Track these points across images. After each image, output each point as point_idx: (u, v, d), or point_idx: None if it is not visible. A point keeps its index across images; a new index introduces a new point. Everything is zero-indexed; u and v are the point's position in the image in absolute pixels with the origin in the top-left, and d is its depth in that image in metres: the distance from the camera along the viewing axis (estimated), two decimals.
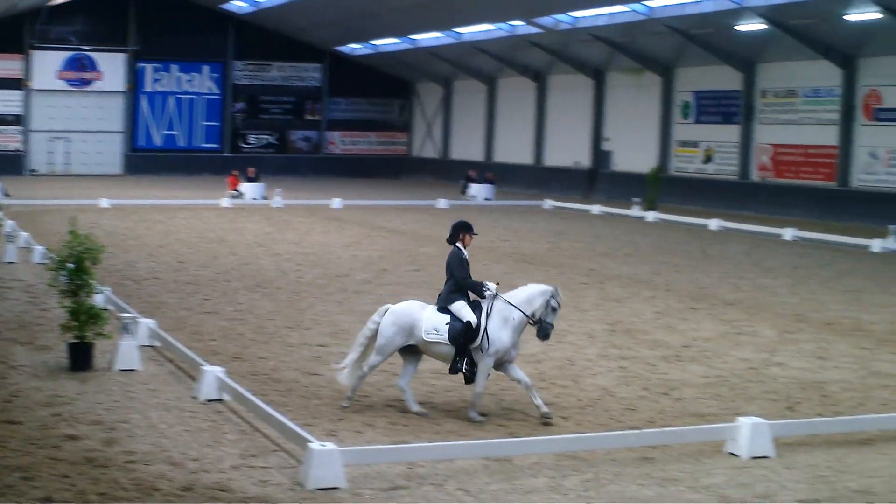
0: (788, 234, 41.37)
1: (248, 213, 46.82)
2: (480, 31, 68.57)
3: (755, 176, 56.39)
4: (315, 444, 12.01)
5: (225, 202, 50.12)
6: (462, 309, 15.08)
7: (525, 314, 15.08)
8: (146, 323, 18.82)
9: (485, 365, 14.92)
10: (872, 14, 45.58)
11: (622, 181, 62.74)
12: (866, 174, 50.73)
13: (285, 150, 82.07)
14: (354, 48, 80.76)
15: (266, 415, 13.63)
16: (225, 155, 78.86)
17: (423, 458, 12.64)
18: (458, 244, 15.61)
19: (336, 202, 50.80)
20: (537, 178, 69.76)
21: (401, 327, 15.12)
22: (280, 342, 19.64)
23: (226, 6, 76.46)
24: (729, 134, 57.57)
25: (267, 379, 16.75)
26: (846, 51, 50.75)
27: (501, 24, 65.60)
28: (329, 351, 18.74)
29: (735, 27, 52.35)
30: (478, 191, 59.90)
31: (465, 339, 14.89)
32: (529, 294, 15.21)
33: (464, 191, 60.55)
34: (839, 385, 17.27)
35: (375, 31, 74.69)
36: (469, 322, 14.90)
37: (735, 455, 13.29)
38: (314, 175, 78.43)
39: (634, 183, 58.31)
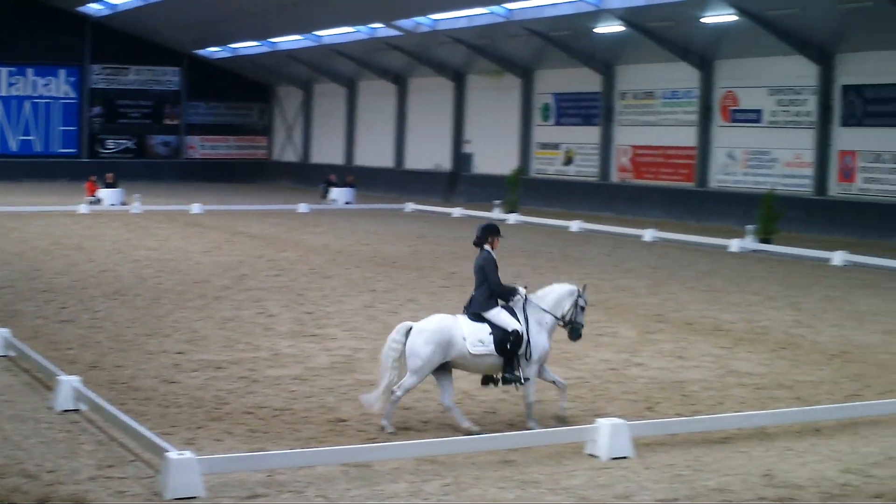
0: (649, 234, 41.80)
1: (107, 219, 46.06)
2: (340, 34, 68.35)
3: (615, 177, 56.94)
4: (172, 454, 11.78)
5: (83, 208, 49.21)
6: (503, 316, 14.71)
7: (556, 317, 15.01)
8: (0, 333, 18.38)
9: (532, 372, 14.74)
10: (728, 16, 46.26)
11: (483, 183, 62.96)
12: (724, 175, 51.50)
13: (144, 154, 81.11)
14: (213, 51, 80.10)
15: (123, 424, 13.35)
16: (83, 160, 77.58)
17: (282, 465, 12.46)
18: (486, 247, 15.12)
19: (196, 207, 50.19)
20: (398, 182, 69.76)
21: (438, 345, 14.42)
22: (138, 350, 19.30)
23: (82, 8, 75.30)
24: (589, 136, 58.06)
25: (125, 388, 16.43)
26: (703, 53, 51.50)
27: (361, 27, 65.43)
28: (188, 358, 18.46)
29: (594, 29, 52.80)
30: (338, 194, 59.65)
31: (512, 347, 14.56)
32: (558, 296, 15.09)
33: (324, 195, 60.27)
34: (698, 384, 17.44)
35: (234, 34, 74.11)
36: (515, 330, 14.58)
37: (595, 456, 13.31)
38: (174, 180, 77.61)
39: (496, 185, 58.52)
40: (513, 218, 48.50)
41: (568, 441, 13.70)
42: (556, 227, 46.04)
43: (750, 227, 40.08)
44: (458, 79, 66.56)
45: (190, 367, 17.15)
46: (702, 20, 47.51)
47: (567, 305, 15.06)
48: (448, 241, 39.39)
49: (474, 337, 14.52)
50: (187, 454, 11.84)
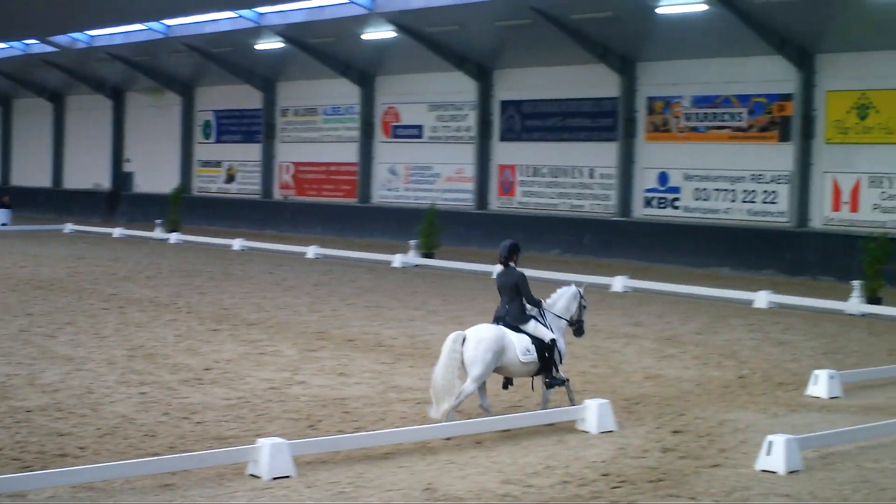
0: (311, 251, 41.75)
1: None
2: None
3: (278, 195, 56.73)
4: None
5: None
6: (540, 328, 16.25)
7: (567, 321, 16.73)
8: None
9: (562, 371, 16.60)
10: (388, 33, 46.63)
11: (145, 203, 61.87)
12: (387, 190, 51.92)
13: None
14: None
15: None
16: None
17: None
18: (511, 264, 16.48)
19: None
20: (57, 202, 67.87)
21: (496, 353, 15.68)
22: None
23: None
24: (251, 153, 57.74)
25: None
26: (364, 69, 51.84)
27: (15, 43, 63.17)
28: None
29: (255, 46, 52.42)
30: None
31: (550, 354, 16.13)
32: (566, 302, 16.75)
33: None
34: (360, 401, 17.31)
35: None
36: (553, 339, 16.18)
37: (257, 476, 13.00)
38: None
39: (158, 204, 57.57)
40: (174, 237, 47.71)
41: (229, 462, 13.34)
42: (219, 246, 45.48)
43: (413, 243, 40.49)
44: (118, 96, 65.21)
45: None
46: (363, 37, 47.76)
47: (574, 308, 16.82)
48: (107, 262, 38.34)
49: (521, 346, 16.01)
50: None
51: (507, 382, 16.69)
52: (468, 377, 15.59)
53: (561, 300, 16.72)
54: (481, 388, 15.95)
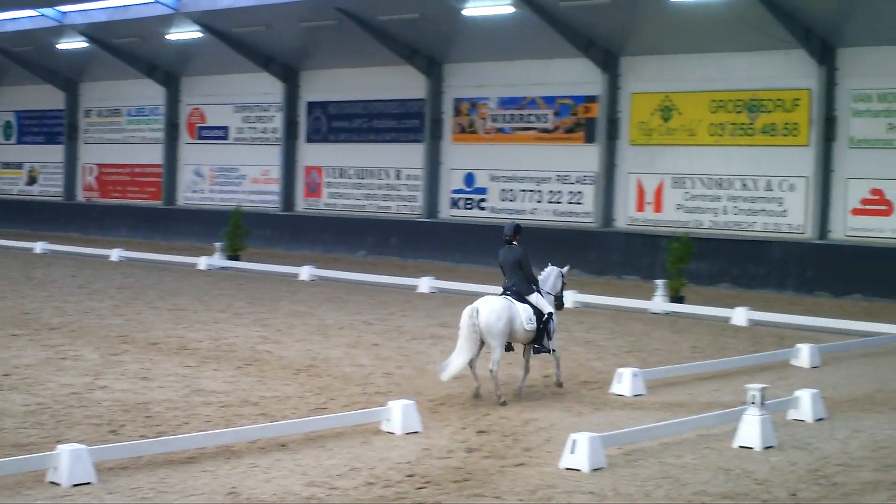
0: (115, 254, 41.05)
1: None
2: None
3: (81, 196, 55.68)
4: None
5: None
6: (541, 300, 18.33)
7: (553, 296, 18.85)
8: None
9: (555, 342, 18.66)
10: (194, 33, 46.09)
11: None
12: (192, 192, 51.36)
13: None
14: None
15: None
16: None
17: None
18: (514, 242, 18.64)
19: None
20: None
21: (508, 320, 17.63)
22: None
23: None
24: (53, 154, 56.58)
25: None
26: (170, 69, 51.20)
27: None
28: None
29: (57, 45, 51.31)
30: None
31: (544, 325, 18.10)
32: (553, 280, 18.98)
33: None
34: (164, 405, 17.00)
35: None
36: (550, 312, 18.30)
37: (57, 484, 12.66)
38: None
39: None
40: None
41: (28, 470, 12.95)
42: (20, 249, 44.43)
43: (219, 245, 40.10)
44: None
45: None
46: (167, 37, 47.13)
47: (559, 285, 19.07)
48: None
49: (526, 315, 17.84)
50: None
51: (508, 347, 18.16)
52: (491, 345, 17.59)
53: (550, 279, 18.92)
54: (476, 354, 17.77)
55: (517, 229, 18.77)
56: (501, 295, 18.16)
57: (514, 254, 18.49)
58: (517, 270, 18.33)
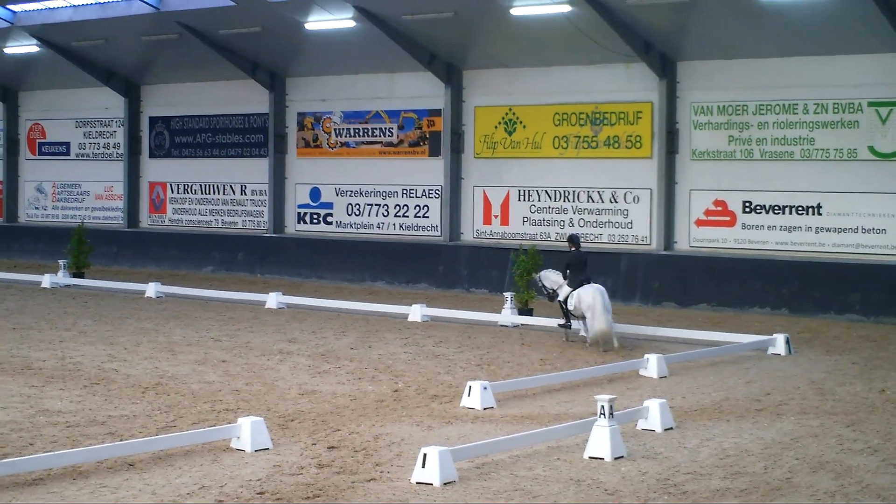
0: None
1: None
2: None
3: None
4: None
5: None
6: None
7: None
8: None
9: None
10: (31, 47, 45.26)
11: None
12: (34, 209, 50.43)
13: None
14: None
15: None
16: None
17: None
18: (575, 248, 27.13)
19: None
20: None
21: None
22: None
23: None
24: None
25: None
26: (6, 84, 50.24)
27: None
28: None
29: None
30: None
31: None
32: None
33: None
34: (8, 426, 16.67)
35: None
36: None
37: None
38: None
39: None
40: None
41: None
42: None
43: (62, 262, 39.43)
44: None
45: None
46: (5, 50, 46.20)
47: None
48: None
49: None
50: None
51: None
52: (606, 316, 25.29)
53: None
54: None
55: (579, 237, 28.58)
56: (591, 284, 25.95)
57: (585, 255, 27.05)
58: (585, 267, 26.43)
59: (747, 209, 34.01)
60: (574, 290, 25.94)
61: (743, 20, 32.39)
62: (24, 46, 45.55)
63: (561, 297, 26.56)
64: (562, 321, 26.84)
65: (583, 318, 25.80)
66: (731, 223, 34.27)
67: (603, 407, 15.11)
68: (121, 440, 15.65)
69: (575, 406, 18.96)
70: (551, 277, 27.28)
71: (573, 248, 26.88)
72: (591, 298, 25.19)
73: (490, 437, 15.99)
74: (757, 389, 20.87)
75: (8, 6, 43.23)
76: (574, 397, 19.80)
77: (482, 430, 16.91)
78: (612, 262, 35.44)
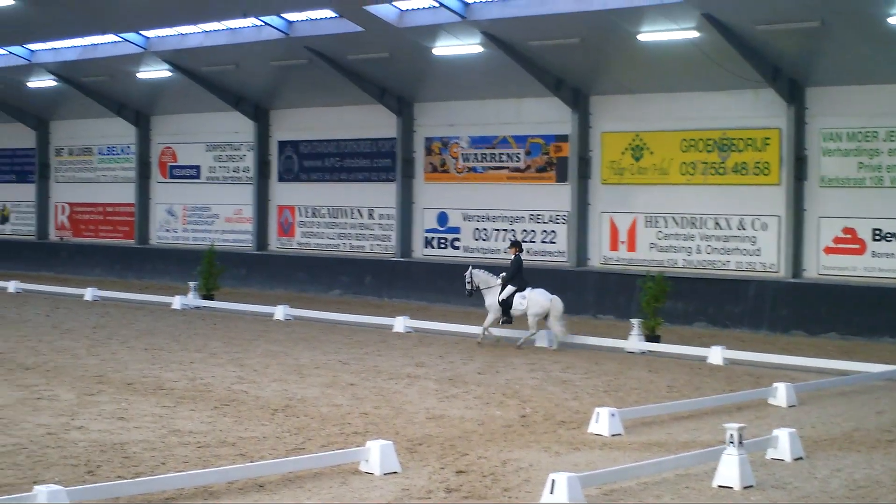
0: (89, 293, 40.88)
1: None
2: None
3: (54, 235, 55.52)
4: None
5: None
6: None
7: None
8: None
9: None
10: (163, 72, 46.05)
11: None
12: (165, 231, 51.25)
13: None
14: None
15: None
16: None
17: None
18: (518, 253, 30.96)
19: None
20: None
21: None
22: None
23: None
24: (25, 193, 56.40)
25: None
26: (140, 108, 51.16)
27: None
28: None
29: (27, 84, 51.22)
30: None
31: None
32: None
33: None
34: (140, 445, 16.94)
35: None
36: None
37: None
38: None
39: None
40: None
41: None
42: None
43: (193, 284, 39.98)
44: None
45: None
46: (138, 75, 47.09)
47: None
48: None
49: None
50: None
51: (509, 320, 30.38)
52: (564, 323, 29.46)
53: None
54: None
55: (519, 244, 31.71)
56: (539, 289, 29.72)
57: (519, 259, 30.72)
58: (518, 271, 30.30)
59: (877, 237, 33.51)
60: (518, 290, 29.97)
61: (873, 45, 31.96)
62: (156, 71, 46.37)
63: (504, 296, 30.00)
64: (501, 319, 30.69)
65: (531, 316, 29.80)
66: (861, 251, 33.78)
67: (732, 435, 14.96)
68: (251, 461, 15.81)
69: (703, 434, 18.80)
70: (482, 277, 30.88)
71: (517, 252, 31.00)
72: (547, 303, 29.44)
73: (618, 463, 15.91)
74: (888, 420, 20.52)
75: (141, 32, 44.10)
76: (702, 425, 19.63)
77: (610, 457, 16.84)
78: (739, 289, 35.13)
